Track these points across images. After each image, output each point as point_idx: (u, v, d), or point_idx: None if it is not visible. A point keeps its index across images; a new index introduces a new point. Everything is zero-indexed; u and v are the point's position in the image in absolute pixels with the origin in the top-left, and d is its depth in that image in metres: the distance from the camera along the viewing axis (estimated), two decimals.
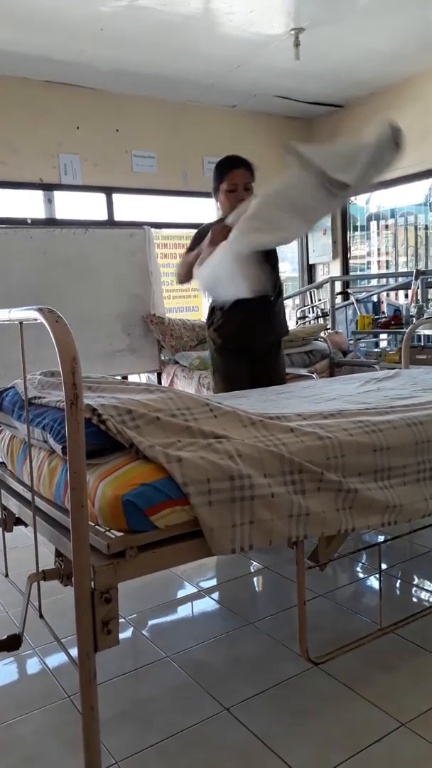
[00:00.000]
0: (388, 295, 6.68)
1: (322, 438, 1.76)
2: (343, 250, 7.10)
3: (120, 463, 1.57)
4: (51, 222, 5.61)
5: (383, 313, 6.43)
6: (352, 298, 6.19)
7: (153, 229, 5.44)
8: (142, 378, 5.43)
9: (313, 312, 6.77)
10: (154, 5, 4.21)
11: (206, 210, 6.44)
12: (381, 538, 2.90)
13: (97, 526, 1.51)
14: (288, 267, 7.28)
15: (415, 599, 2.45)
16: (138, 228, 5.33)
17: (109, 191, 5.94)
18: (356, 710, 1.76)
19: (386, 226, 7.10)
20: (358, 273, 7.29)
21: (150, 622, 2.34)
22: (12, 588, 2.19)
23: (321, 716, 1.74)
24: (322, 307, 6.63)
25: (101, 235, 5.14)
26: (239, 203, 2.81)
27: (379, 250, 7.21)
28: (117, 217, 6.01)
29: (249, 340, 3.06)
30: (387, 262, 7.19)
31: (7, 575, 2.26)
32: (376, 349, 5.16)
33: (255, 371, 3.11)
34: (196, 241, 2.98)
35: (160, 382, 5.32)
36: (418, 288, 5.09)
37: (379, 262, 7.26)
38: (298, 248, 7.36)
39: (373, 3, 4.34)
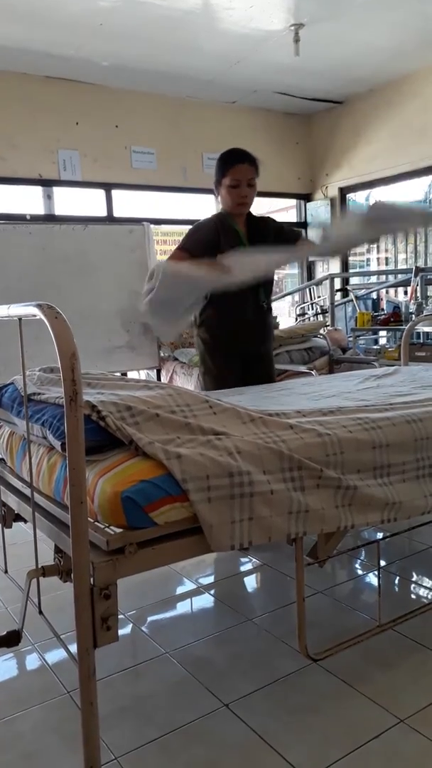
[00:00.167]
0: (387, 292, 6.67)
1: (322, 435, 1.75)
2: None
3: (119, 459, 1.57)
4: (50, 218, 5.60)
5: (383, 310, 6.41)
6: (351, 295, 6.18)
7: (152, 226, 5.43)
8: (142, 374, 5.42)
9: (313, 309, 6.78)
10: (153, 0, 4.20)
11: (206, 206, 6.44)
12: (380, 535, 2.91)
13: (96, 523, 1.51)
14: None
15: (413, 596, 2.45)
16: (137, 224, 5.32)
17: (108, 187, 5.93)
18: (355, 707, 1.76)
19: None
20: (358, 270, 7.28)
21: (149, 619, 2.34)
22: (11, 584, 2.18)
23: (320, 713, 1.75)
24: (322, 304, 6.63)
25: (100, 232, 5.13)
26: (241, 199, 2.78)
27: (378, 246, 7.21)
28: (116, 214, 6.00)
29: (243, 342, 2.95)
30: (386, 259, 7.19)
31: (6, 571, 2.26)
32: (375, 346, 5.15)
33: (246, 373, 2.98)
34: (191, 238, 2.85)
35: (159, 378, 5.32)
36: (417, 285, 5.08)
37: (378, 259, 7.25)
38: None
39: None
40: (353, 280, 7.25)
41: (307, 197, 7.31)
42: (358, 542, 2.81)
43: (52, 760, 1.62)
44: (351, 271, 7.20)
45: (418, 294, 5.10)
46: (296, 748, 1.61)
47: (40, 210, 5.63)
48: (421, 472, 1.92)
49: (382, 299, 6.72)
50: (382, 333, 5.81)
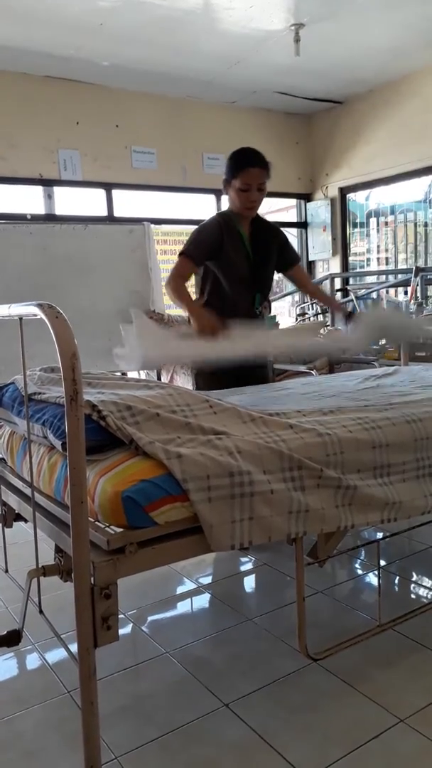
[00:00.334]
0: (387, 292, 6.67)
1: (322, 435, 1.76)
2: (342, 247, 7.10)
3: (120, 459, 1.57)
4: (50, 218, 5.60)
5: None
6: (351, 295, 6.18)
7: (153, 225, 5.44)
8: (142, 374, 5.42)
9: (313, 309, 6.77)
10: (153, 0, 4.20)
11: (206, 206, 6.44)
12: (380, 535, 2.91)
13: (96, 522, 1.52)
14: None
15: (413, 596, 2.45)
16: (137, 224, 5.33)
17: (108, 187, 5.93)
18: (355, 706, 1.77)
19: (386, 223, 7.09)
20: (358, 270, 7.28)
21: (149, 618, 2.34)
22: (12, 584, 2.18)
23: (320, 712, 1.75)
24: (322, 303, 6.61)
25: (101, 231, 5.14)
26: (250, 203, 2.76)
27: (378, 247, 7.20)
28: (117, 213, 6.00)
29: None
30: (386, 259, 7.19)
31: (6, 571, 2.26)
32: (375, 346, 5.15)
33: (240, 379, 2.88)
34: (194, 241, 2.76)
35: (159, 378, 5.32)
36: (417, 285, 5.09)
37: (378, 259, 7.25)
38: (298, 245, 7.35)
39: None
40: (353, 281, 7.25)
41: (307, 197, 7.32)
42: (358, 542, 2.81)
43: (53, 759, 1.62)
44: (351, 271, 7.20)
45: (418, 294, 5.11)
46: (296, 748, 1.61)
47: (40, 210, 5.63)
48: (421, 472, 1.92)
49: (382, 299, 6.72)
50: None
